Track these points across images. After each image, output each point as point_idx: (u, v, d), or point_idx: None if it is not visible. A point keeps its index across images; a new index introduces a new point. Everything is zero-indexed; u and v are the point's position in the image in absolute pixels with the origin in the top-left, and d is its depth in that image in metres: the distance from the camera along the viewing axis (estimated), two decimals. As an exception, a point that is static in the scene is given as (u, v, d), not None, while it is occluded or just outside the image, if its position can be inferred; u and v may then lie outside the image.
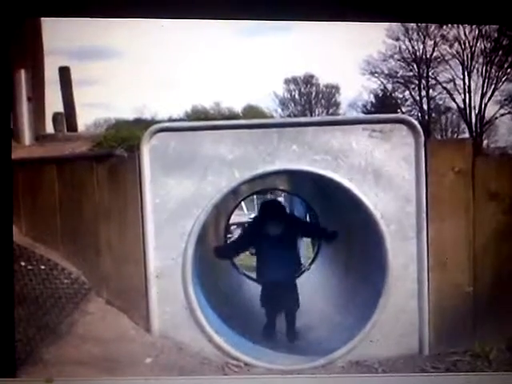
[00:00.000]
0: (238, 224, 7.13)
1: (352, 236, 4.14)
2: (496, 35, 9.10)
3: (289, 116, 9.01)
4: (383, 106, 8.86)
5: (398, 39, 8.84)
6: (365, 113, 8.58)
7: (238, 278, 5.03)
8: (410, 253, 3.46)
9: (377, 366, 3.42)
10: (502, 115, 9.72)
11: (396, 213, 3.45)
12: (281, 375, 3.36)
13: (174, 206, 3.45)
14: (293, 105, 8.87)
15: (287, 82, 8.87)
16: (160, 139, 3.42)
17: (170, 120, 4.20)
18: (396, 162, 3.44)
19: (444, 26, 8.71)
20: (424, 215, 3.43)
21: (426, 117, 9.49)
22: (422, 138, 3.42)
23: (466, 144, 3.63)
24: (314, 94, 8.74)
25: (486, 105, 9.62)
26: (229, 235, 6.11)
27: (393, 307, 3.48)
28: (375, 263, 3.58)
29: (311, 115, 9.06)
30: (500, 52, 9.33)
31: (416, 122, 3.42)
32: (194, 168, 3.44)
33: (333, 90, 8.70)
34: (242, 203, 6.98)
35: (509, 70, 9.42)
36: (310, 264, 5.21)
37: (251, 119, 4.31)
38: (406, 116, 3.48)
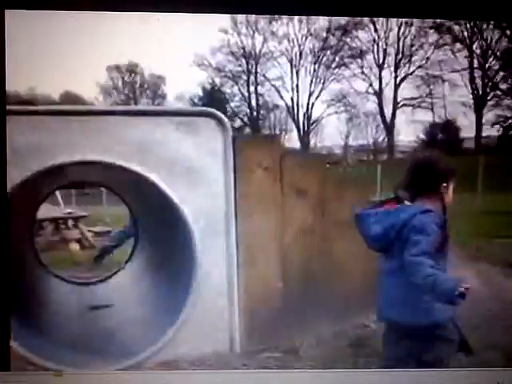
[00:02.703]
0: (52, 219, 6.69)
1: (162, 232, 4.01)
2: (324, 35, 9.46)
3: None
4: (211, 99, 8.83)
5: (226, 32, 8.85)
6: (193, 106, 8.49)
7: (44, 278, 4.68)
8: (220, 249, 3.41)
9: (186, 365, 3.31)
10: (329, 115, 10.15)
11: (205, 209, 3.37)
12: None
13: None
14: (115, 93, 8.57)
15: (109, 69, 8.52)
16: None
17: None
18: (204, 156, 3.35)
19: (273, 22, 8.87)
20: (233, 211, 3.39)
21: (255, 113, 9.64)
22: (231, 133, 3.36)
23: (275, 141, 3.67)
24: (138, 83, 8.51)
25: (313, 104, 9.98)
26: (41, 231, 5.71)
27: (202, 305, 3.39)
28: (185, 261, 3.47)
29: (136, 105, 8.82)
30: (328, 52, 9.71)
31: (224, 117, 3.35)
32: (-20, 157, 3.09)
33: (159, 80, 8.51)
34: (58, 195, 6.57)
35: (336, 70, 9.84)
36: (126, 262, 4.99)
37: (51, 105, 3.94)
38: (213, 110, 3.38)
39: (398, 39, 9.68)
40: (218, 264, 3.41)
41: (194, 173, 3.33)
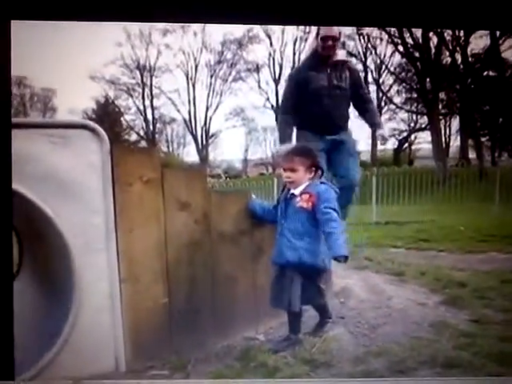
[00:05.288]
0: None
1: (41, 249, 3.82)
2: (220, 48, 9.48)
3: None
4: (105, 113, 8.63)
5: (120, 45, 8.69)
6: (86, 119, 8.27)
7: None
8: (100, 266, 3.30)
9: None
10: (228, 129, 10.15)
11: (82, 224, 3.25)
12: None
13: None
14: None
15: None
16: None
17: None
18: (81, 169, 3.24)
19: (168, 35, 8.80)
20: (113, 226, 3.30)
21: (151, 127, 9.49)
22: (108, 145, 3.27)
23: (154, 154, 3.63)
24: (28, 96, 8.18)
25: (211, 118, 9.96)
26: None
27: (84, 324, 3.26)
28: (64, 279, 3.32)
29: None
30: (224, 65, 9.73)
31: (100, 128, 3.25)
32: None
33: (49, 93, 8.21)
34: None
35: (233, 84, 9.87)
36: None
37: None
38: (88, 121, 3.29)
39: (294, 54, 9.85)
40: (100, 281, 3.30)
41: (71, 187, 3.20)
